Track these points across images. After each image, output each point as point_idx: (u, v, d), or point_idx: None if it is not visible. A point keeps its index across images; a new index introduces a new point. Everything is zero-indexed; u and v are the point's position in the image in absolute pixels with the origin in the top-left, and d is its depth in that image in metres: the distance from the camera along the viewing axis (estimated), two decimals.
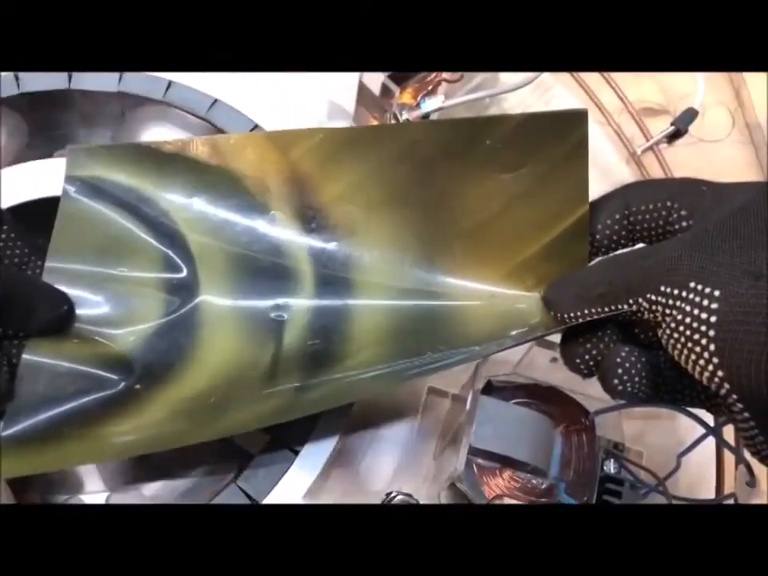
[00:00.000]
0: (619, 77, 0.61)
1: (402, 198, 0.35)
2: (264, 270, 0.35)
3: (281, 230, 0.35)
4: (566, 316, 0.30)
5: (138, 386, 0.33)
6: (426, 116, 0.47)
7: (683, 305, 0.24)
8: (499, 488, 0.39)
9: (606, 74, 0.60)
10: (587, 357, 0.30)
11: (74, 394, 0.32)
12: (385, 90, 0.47)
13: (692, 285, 0.24)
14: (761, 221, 0.24)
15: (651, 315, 0.26)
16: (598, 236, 0.31)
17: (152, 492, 0.39)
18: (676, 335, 0.24)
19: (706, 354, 0.23)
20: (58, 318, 0.33)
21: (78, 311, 0.34)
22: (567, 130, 0.33)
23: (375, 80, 0.46)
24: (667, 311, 0.25)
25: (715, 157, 0.59)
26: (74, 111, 0.45)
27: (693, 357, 0.24)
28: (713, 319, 0.23)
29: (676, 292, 0.24)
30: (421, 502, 0.38)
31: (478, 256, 0.34)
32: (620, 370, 0.28)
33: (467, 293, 0.34)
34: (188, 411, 0.33)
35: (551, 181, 0.33)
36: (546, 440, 0.39)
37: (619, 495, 0.38)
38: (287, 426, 0.32)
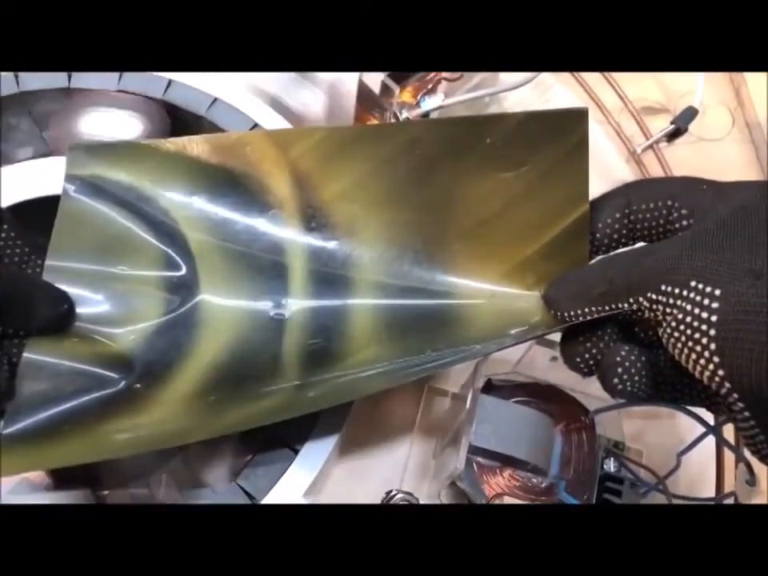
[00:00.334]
0: (619, 75, 0.61)
1: (402, 196, 0.35)
2: (264, 268, 0.35)
3: (281, 229, 0.35)
4: (566, 315, 0.30)
5: (138, 385, 0.33)
6: (425, 115, 0.47)
7: (684, 304, 0.24)
8: (499, 486, 0.39)
9: (605, 72, 0.60)
10: (587, 356, 0.30)
11: (74, 393, 0.32)
12: (385, 88, 0.47)
13: (693, 284, 0.24)
14: (761, 220, 0.24)
15: (652, 314, 0.26)
16: (598, 235, 0.31)
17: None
18: (676, 334, 0.24)
19: (706, 353, 0.23)
20: (59, 317, 0.33)
21: (79, 310, 0.34)
22: (568, 128, 0.33)
23: (375, 79, 0.46)
24: (668, 310, 0.25)
25: (715, 155, 0.60)
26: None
27: (693, 356, 0.24)
28: (713, 318, 0.23)
29: (677, 291, 0.24)
30: (421, 501, 0.38)
31: (478, 254, 0.34)
32: (620, 369, 0.28)
33: (467, 291, 0.34)
34: (188, 409, 0.33)
35: (552, 179, 0.33)
36: (546, 439, 0.39)
37: (619, 494, 0.39)
38: (287, 425, 0.32)
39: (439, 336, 0.34)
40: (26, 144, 0.46)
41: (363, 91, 0.47)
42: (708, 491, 0.44)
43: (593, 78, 0.61)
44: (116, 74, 0.44)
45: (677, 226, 0.29)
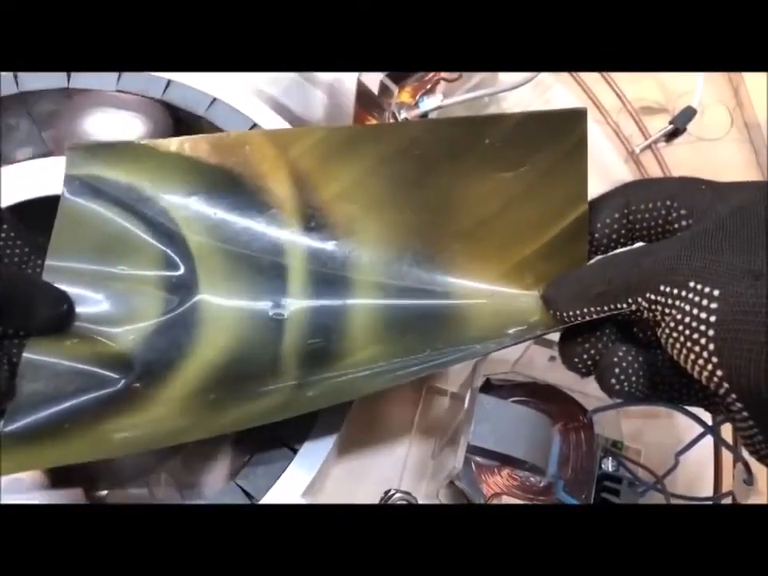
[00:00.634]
0: (618, 75, 0.61)
1: (401, 196, 0.35)
2: (263, 268, 0.35)
3: (280, 229, 0.35)
4: (564, 315, 0.30)
5: (137, 384, 0.33)
6: (424, 115, 0.47)
7: (683, 304, 0.24)
8: (498, 486, 0.39)
9: (604, 72, 0.61)
10: (585, 356, 0.30)
11: (74, 393, 0.32)
12: (383, 89, 0.47)
13: (691, 284, 0.24)
14: (760, 220, 0.24)
15: (650, 314, 0.26)
16: (597, 235, 0.31)
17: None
18: (675, 335, 0.24)
19: (705, 354, 0.23)
20: (58, 317, 0.33)
21: (78, 309, 0.34)
22: (567, 128, 0.33)
23: (374, 79, 0.46)
24: (666, 311, 0.25)
25: (713, 155, 0.60)
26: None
27: (692, 356, 0.24)
28: (712, 319, 0.23)
29: (675, 291, 0.24)
30: (419, 500, 0.38)
31: (477, 255, 0.34)
32: (617, 370, 0.28)
33: (466, 291, 0.34)
34: (187, 409, 0.33)
35: (551, 179, 0.33)
36: (544, 438, 0.39)
37: (617, 493, 0.39)
38: (286, 424, 0.32)
39: (438, 336, 0.34)
40: (26, 144, 0.46)
41: (362, 91, 0.47)
42: (706, 491, 0.44)
43: (591, 78, 0.61)
44: (115, 74, 0.44)
45: (676, 226, 0.29)
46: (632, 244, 0.31)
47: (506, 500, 0.39)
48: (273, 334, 0.34)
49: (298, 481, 0.35)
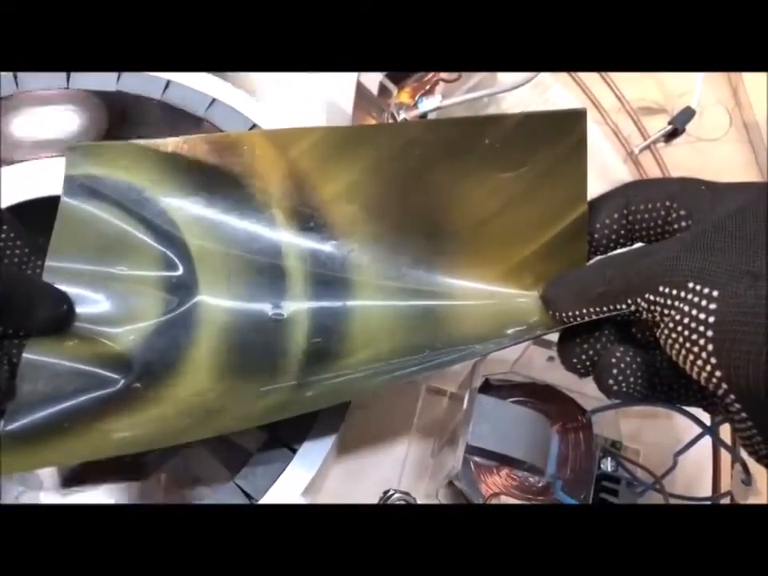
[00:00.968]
0: (617, 75, 0.61)
1: (401, 197, 0.35)
2: (262, 268, 0.35)
3: (279, 229, 0.35)
4: (564, 315, 0.30)
5: (137, 384, 0.33)
6: (423, 115, 0.47)
7: (682, 305, 0.24)
8: (496, 486, 0.40)
9: (603, 72, 0.61)
10: (584, 356, 0.30)
11: (73, 393, 0.32)
12: (383, 89, 0.47)
13: (691, 285, 0.24)
14: (760, 221, 0.24)
15: (650, 315, 0.26)
16: (596, 235, 0.31)
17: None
18: (674, 335, 0.24)
19: (704, 354, 0.23)
20: (58, 318, 0.33)
21: (78, 309, 0.34)
22: (566, 129, 0.33)
23: (373, 80, 0.46)
24: (666, 311, 0.25)
25: (712, 156, 0.60)
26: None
27: (691, 357, 0.24)
28: (711, 320, 0.23)
29: (675, 292, 0.24)
30: (418, 500, 0.38)
31: (476, 255, 0.34)
32: (615, 371, 0.28)
33: (466, 292, 0.34)
34: (187, 409, 0.33)
35: (550, 180, 0.33)
36: (542, 438, 0.39)
37: (616, 493, 0.39)
38: (285, 425, 0.32)
39: (438, 336, 0.34)
40: None
41: (361, 92, 0.47)
42: (704, 491, 0.44)
43: (590, 78, 0.61)
44: (114, 74, 0.44)
45: (675, 227, 0.29)
46: (631, 244, 0.31)
47: (505, 500, 0.39)
48: (272, 335, 0.34)
49: (297, 481, 0.35)
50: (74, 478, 0.35)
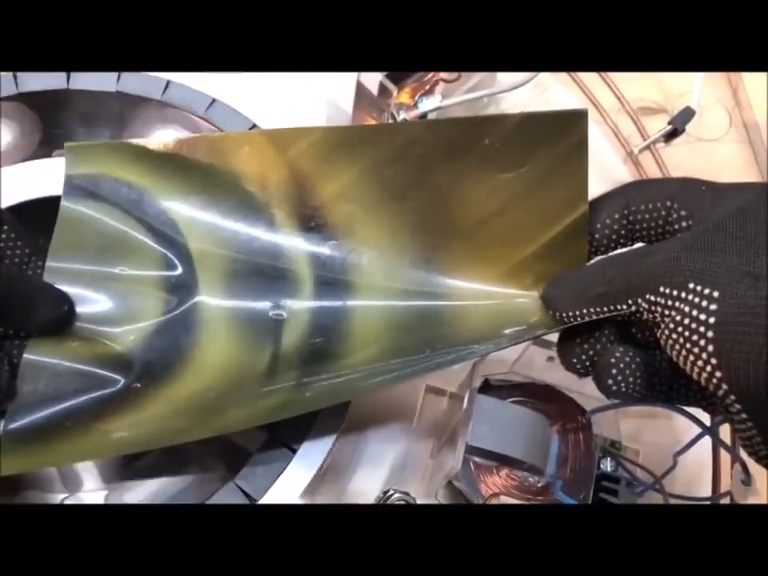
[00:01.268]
0: (616, 75, 0.61)
1: (401, 197, 0.35)
2: (262, 268, 0.35)
3: (279, 230, 0.35)
4: (564, 315, 0.30)
5: (137, 384, 0.33)
6: (423, 115, 0.47)
7: (682, 305, 0.24)
8: (496, 486, 0.40)
9: (603, 72, 0.61)
10: (584, 357, 0.30)
11: (74, 393, 0.32)
12: (382, 89, 0.47)
13: (691, 286, 0.24)
14: (760, 222, 0.24)
15: (650, 315, 0.26)
16: (597, 235, 0.31)
17: (148, 491, 0.39)
18: (674, 336, 0.24)
19: (704, 355, 0.23)
20: (59, 318, 0.33)
21: (79, 309, 0.34)
22: (567, 129, 0.33)
23: (373, 80, 0.46)
24: (666, 312, 0.25)
25: (712, 156, 0.60)
26: (73, 111, 0.45)
27: (691, 357, 0.24)
28: (711, 320, 0.23)
29: (675, 293, 0.24)
30: (418, 500, 0.38)
31: (476, 255, 0.34)
32: (614, 371, 0.28)
33: (466, 293, 0.34)
34: (187, 409, 0.33)
35: (550, 180, 0.33)
36: (542, 438, 0.39)
37: (616, 493, 0.39)
38: (285, 424, 0.32)
39: (437, 336, 0.34)
40: None
41: (361, 92, 0.47)
42: (704, 491, 0.44)
43: (590, 78, 0.61)
44: (114, 74, 0.44)
45: (676, 227, 0.28)
46: (632, 244, 0.31)
47: (505, 500, 0.39)
48: (272, 335, 0.34)
49: (297, 481, 0.35)
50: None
